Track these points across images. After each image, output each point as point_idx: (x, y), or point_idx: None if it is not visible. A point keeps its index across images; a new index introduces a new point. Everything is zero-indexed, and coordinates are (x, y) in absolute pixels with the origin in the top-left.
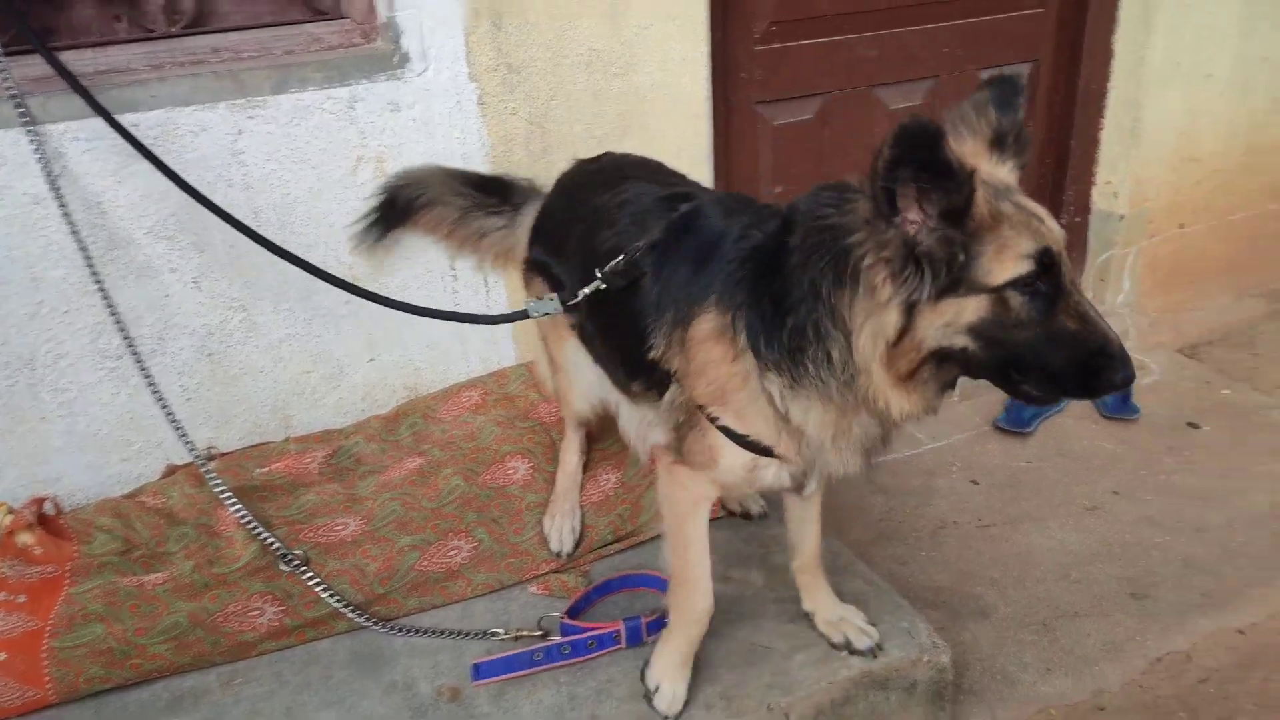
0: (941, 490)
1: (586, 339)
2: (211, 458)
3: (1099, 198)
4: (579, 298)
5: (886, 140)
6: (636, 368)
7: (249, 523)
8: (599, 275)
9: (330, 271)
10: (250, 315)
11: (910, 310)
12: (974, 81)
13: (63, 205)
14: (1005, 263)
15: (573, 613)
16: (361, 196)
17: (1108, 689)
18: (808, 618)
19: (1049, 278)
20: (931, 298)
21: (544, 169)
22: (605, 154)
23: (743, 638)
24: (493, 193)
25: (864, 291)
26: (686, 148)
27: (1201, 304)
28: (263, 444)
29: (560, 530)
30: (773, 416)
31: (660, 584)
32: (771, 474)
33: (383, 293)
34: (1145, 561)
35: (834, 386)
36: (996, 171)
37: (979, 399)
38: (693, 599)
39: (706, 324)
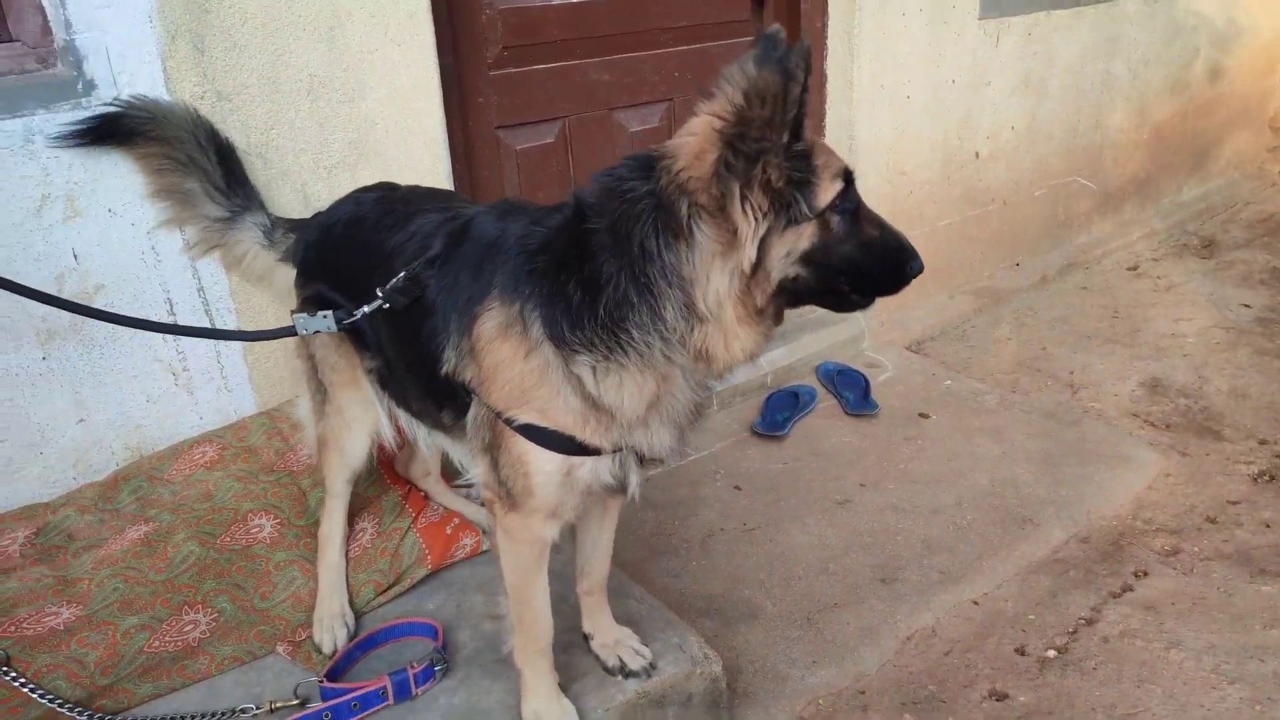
0: (707, 499)
1: (387, 380)
2: None
3: None
4: (357, 315)
5: (796, 64)
6: (440, 394)
7: None
8: (380, 293)
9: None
10: None
11: (763, 244)
12: None
13: None
14: (826, 184)
15: (333, 673)
16: (50, 240)
17: (866, 672)
18: (585, 640)
19: (851, 195)
20: (781, 227)
21: (269, 200)
22: (380, 183)
23: (515, 675)
24: (226, 171)
25: (708, 237)
26: (425, 175)
27: (922, 303)
28: None
29: (332, 630)
30: (579, 405)
31: (428, 630)
32: (588, 472)
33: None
34: (891, 547)
35: (658, 349)
36: None
37: (735, 407)
38: (540, 629)
39: (490, 321)
